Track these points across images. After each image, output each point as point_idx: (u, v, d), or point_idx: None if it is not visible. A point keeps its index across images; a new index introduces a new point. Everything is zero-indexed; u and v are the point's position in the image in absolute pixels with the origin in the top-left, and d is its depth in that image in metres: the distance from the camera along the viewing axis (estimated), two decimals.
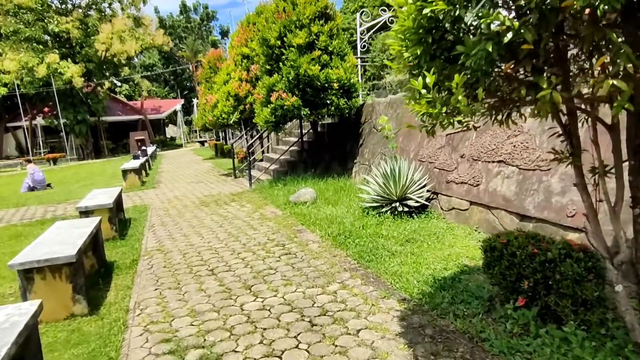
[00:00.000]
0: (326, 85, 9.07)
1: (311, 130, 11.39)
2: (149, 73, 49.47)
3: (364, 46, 11.72)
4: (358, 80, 9.63)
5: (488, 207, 5.70)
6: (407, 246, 5.38)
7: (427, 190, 6.92)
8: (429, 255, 4.98)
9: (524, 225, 5.09)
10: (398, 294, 4.07)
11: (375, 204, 6.98)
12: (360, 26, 11.43)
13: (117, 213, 7.22)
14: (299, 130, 11.25)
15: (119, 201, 7.72)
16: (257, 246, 5.98)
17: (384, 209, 6.77)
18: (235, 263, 5.32)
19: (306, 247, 5.78)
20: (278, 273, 4.87)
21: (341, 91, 9.36)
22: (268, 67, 9.68)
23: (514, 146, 5.45)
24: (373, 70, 11.14)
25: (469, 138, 6.37)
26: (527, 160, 5.20)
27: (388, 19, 10.76)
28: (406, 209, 6.64)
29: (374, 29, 11.44)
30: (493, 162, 5.76)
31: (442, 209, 6.66)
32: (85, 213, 6.41)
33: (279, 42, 9.41)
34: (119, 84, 42.43)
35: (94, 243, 5.18)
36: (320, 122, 10.90)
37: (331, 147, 11.16)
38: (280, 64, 9.26)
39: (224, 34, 59.07)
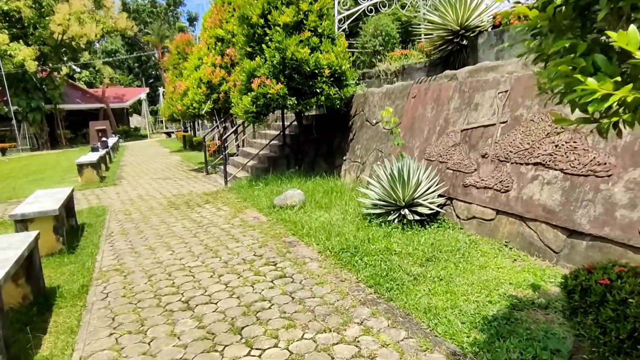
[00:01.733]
0: (316, 71, 7.96)
1: (294, 123, 10.25)
2: (111, 59, 46.62)
3: (348, 29, 10.62)
4: (350, 67, 8.55)
5: (522, 218, 4.77)
6: (430, 267, 4.38)
7: (440, 195, 5.95)
8: (461, 281, 4.00)
9: (573, 243, 4.17)
10: (444, 345, 3.04)
11: (378, 210, 5.96)
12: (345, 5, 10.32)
13: (65, 220, 5.91)
14: (281, 122, 10.08)
15: (68, 205, 6.40)
16: (243, 265, 4.84)
17: (390, 217, 5.75)
18: (218, 291, 4.18)
19: (304, 266, 4.69)
20: (275, 307, 3.76)
21: (332, 79, 8.26)
22: (249, 49, 8.46)
23: (557, 146, 4.52)
24: (363, 57, 10.08)
25: (491, 135, 5.42)
26: (577, 164, 4.28)
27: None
28: (416, 217, 5.65)
29: (355, 16, 10.35)
30: (527, 164, 4.83)
31: (458, 217, 5.70)
32: (23, 222, 5.09)
33: (261, 21, 8.20)
34: (78, 69, 39.77)
35: (28, 267, 3.92)
36: (304, 114, 9.76)
37: (317, 142, 10.06)
38: (264, 46, 8.06)
39: (192, 20, 56.64)
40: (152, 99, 46.76)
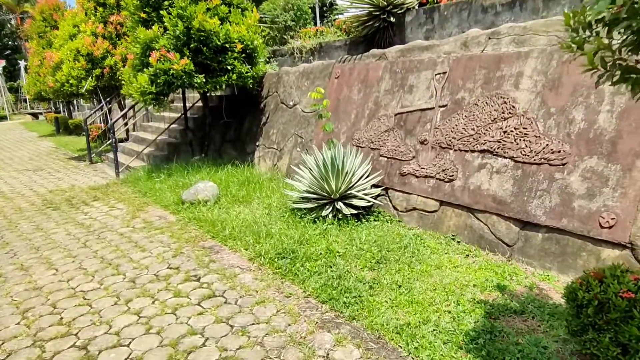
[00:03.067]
0: (227, 45, 6.94)
1: (198, 104, 9.08)
2: None
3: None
4: (262, 43, 7.67)
5: (470, 209, 4.48)
6: (382, 271, 3.87)
7: (374, 185, 5.49)
8: (422, 287, 3.55)
9: (527, 236, 3.96)
10: None
11: (309, 204, 5.31)
12: None
13: None
14: (182, 104, 8.84)
15: None
16: (156, 283, 3.87)
17: (324, 212, 5.13)
18: (128, 325, 3.20)
19: (235, 279, 3.88)
20: (211, 343, 2.93)
21: (243, 55, 7.31)
22: (143, 15, 7.09)
23: (505, 132, 4.27)
24: (274, 33, 9.22)
25: (430, 119, 5.06)
26: (528, 152, 4.05)
27: None
28: (352, 211, 5.11)
29: None
30: (473, 151, 4.54)
31: (395, 208, 5.30)
32: None
33: None
34: None
35: None
36: (210, 94, 8.66)
37: (225, 126, 9.03)
38: (163, 12, 6.80)
39: None
40: (11, 74, 40.19)
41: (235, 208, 5.87)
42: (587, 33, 2.01)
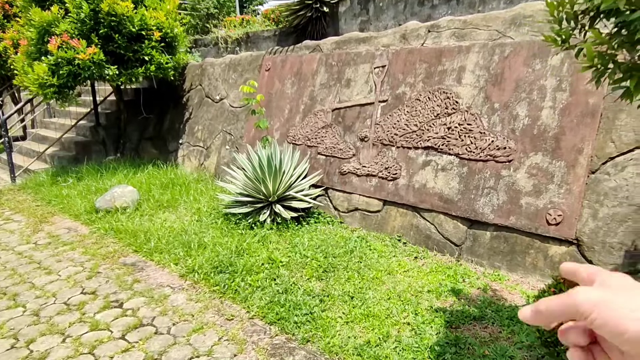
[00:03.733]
0: (143, 33, 6.20)
1: (110, 97, 8.15)
2: None
3: None
4: (183, 31, 6.99)
5: (415, 208, 4.33)
6: (331, 280, 3.57)
7: (313, 185, 5.17)
8: (375, 296, 3.30)
9: (476, 234, 3.88)
10: None
11: (244, 209, 4.86)
12: None
13: None
14: (92, 97, 7.86)
15: None
16: (67, 314, 3.23)
17: (261, 216, 4.72)
18: None
19: (166, 302, 3.36)
20: None
21: (162, 44, 6.61)
22: None
23: (449, 128, 4.16)
24: (195, 21, 8.50)
25: (370, 115, 4.84)
26: (473, 148, 3.96)
27: None
28: (292, 214, 4.76)
29: None
30: (417, 148, 4.38)
31: (336, 209, 5.03)
32: None
33: None
34: None
35: None
36: (125, 87, 7.79)
37: (143, 122, 8.20)
38: None
39: None
40: None
41: (159, 215, 5.25)
42: (572, 25, 1.83)
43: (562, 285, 2.23)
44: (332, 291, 3.40)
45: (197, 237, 4.42)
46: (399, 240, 4.36)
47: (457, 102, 4.15)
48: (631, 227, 3.14)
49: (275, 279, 3.60)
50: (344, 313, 3.11)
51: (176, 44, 7.00)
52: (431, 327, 2.90)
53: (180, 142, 7.53)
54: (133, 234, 4.62)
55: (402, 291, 3.37)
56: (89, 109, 8.09)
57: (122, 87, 7.41)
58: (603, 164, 3.32)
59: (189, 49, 8.35)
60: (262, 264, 3.83)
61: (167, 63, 6.64)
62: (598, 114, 3.37)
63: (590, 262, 3.27)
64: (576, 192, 3.38)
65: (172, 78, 6.93)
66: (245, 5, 15.61)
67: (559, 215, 3.41)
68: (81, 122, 8.10)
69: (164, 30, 6.53)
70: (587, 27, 1.78)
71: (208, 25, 8.30)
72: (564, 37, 1.77)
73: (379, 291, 3.39)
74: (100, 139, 8.00)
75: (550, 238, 3.46)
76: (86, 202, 5.68)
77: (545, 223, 3.48)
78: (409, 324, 2.95)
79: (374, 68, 4.91)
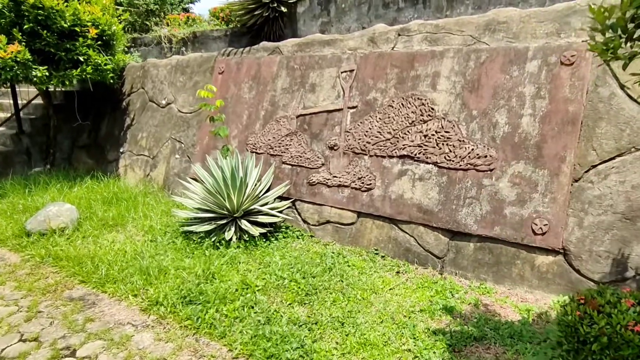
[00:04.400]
0: (77, 29, 5.51)
1: (37, 101, 7.24)
2: None
3: None
4: (122, 29, 6.34)
5: (392, 220, 4.14)
6: (315, 304, 3.28)
7: (280, 198, 4.84)
8: (367, 320, 3.06)
9: (458, 246, 3.76)
10: None
11: (206, 226, 4.42)
12: None
13: None
14: (12, 101, 6.93)
15: None
16: None
17: (227, 234, 4.31)
18: None
19: (129, 345, 2.89)
20: None
21: (99, 42, 5.94)
22: None
23: (426, 136, 4.02)
24: (133, 18, 7.79)
25: (339, 122, 4.61)
26: (453, 157, 3.85)
27: None
28: (260, 230, 4.40)
29: None
30: (391, 157, 4.20)
31: (306, 222, 4.73)
32: None
33: None
34: None
35: None
36: (52, 90, 6.95)
37: (76, 129, 7.38)
38: None
39: None
40: None
41: (105, 235, 4.66)
42: (616, 33, 1.68)
43: (589, 308, 2.11)
44: (319, 317, 3.11)
45: (155, 261, 3.93)
46: (377, 253, 4.16)
47: (432, 108, 4.02)
48: (617, 235, 3.14)
49: (253, 307, 3.24)
50: (337, 343, 2.83)
51: (114, 42, 6.34)
52: (434, 352, 2.71)
53: (121, 150, 6.85)
54: (77, 260, 4.03)
55: (394, 312, 3.16)
56: (9, 115, 7.14)
57: (50, 89, 6.59)
58: (586, 172, 3.32)
59: (126, 49, 7.65)
60: (236, 290, 3.45)
61: (105, 64, 5.98)
62: (579, 121, 3.37)
63: (577, 271, 3.25)
64: (561, 200, 3.35)
65: (111, 81, 6.26)
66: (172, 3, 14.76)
67: (545, 225, 3.36)
68: None
69: (100, 27, 5.86)
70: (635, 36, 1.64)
71: (148, 23, 7.65)
72: (613, 46, 1.62)
73: (370, 314, 3.15)
74: (23, 148, 7.08)
75: (537, 248, 3.41)
76: (13, 223, 4.93)
77: (531, 233, 3.43)
78: (410, 350, 2.74)
79: (341, 72, 4.68)
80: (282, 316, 3.11)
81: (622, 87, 3.25)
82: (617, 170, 3.20)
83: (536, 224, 3.39)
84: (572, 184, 3.35)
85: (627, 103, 3.21)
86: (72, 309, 3.32)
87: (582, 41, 3.43)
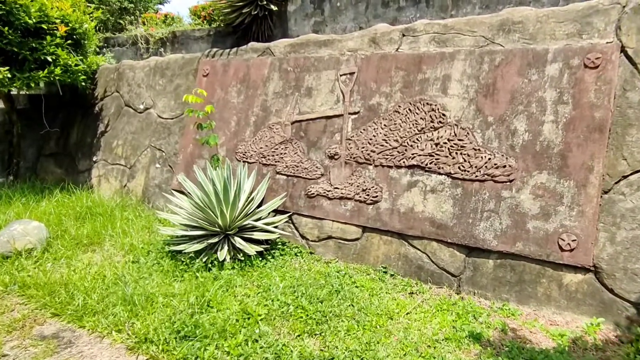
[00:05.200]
0: (43, 26, 4.98)
1: None
2: None
3: None
4: (95, 27, 5.82)
5: (402, 235, 3.83)
6: (328, 335, 2.92)
7: (276, 211, 4.46)
8: (389, 353, 2.73)
9: (476, 263, 3.47)
10: None
11: (195, 245, 3.99)
12: None
13: None
14: None
15: None
16: None
17: (219, 253, 3.89)
18: None
19: None
20: None
21: (69, 41, 5.41)
22: None
23: (437, 144, 3.72)
24: (105, 16, 7.23)
25: (339, 129, 4.27)
26: (467, 167, 3.56)
27: None
28: (256, 248, 4.01)
29: None
30: (399, 167, 3.89)
31: (304, 238, 4.37)
32: None
33: None
34: None
35: None
36: (15, 93, 6.35)
37: (43, 136, 6.78)
38: None
39: None
40: None
41: (80, 257, 4.17)
42: None
43: None
44: (334, 351, 2.75)
45: (140, 286, 3.48)
46: (385, 272, 3.83)
47: (444, 114, 3.73)
48: None
49: (257, 340, 2.85)
50: None
51: (86, 42, 5.82)
52: None
53: (94, 159, 6.30)
54: (48, 288, 3.53)
55: (417, 342, 2.83)
56: None
57: (13, 93, 6.01)
58: (616, 183, 3.08)
59: (98, 49, 7.10)
60: (237, 321, 3.05)
61: (76, 65, 5.46)
62: (606, 129, 3.13)
63: (611, 290, 3.01)
64: (590, 214, 3.10)
65: (83, 84, 5.73)
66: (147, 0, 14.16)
67: (573, 240, 3.11)
68: None
69: (70, 25, 5.35)
70: None
71: (122, 22, 7.12)
72: None
73: (390, 345, 2.81)
74: None
75: (564, 265, 3.15)
76: None
77: (557, 249, 3.17)
78: None
79: (340, 75, 4.34)
80: (292, 351, 2.74)
81: None
82: None
83: (563, 240, 3.14)
84: (601, 196, 3.11)
85: None
86: (44, 350, 2.85)
87: (607, 42, 3.20)
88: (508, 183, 3.41)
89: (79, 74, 5.54)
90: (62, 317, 3.22)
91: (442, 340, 2.87)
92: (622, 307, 2.97)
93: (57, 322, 3.18)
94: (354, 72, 4.26)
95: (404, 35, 4.10)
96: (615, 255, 3.01)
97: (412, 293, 3.53)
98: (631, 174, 3.04)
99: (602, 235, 3.07)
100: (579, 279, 3.11)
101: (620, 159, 3.08)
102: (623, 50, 3.15)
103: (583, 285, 3.10)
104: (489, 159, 3.49)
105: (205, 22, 6.61)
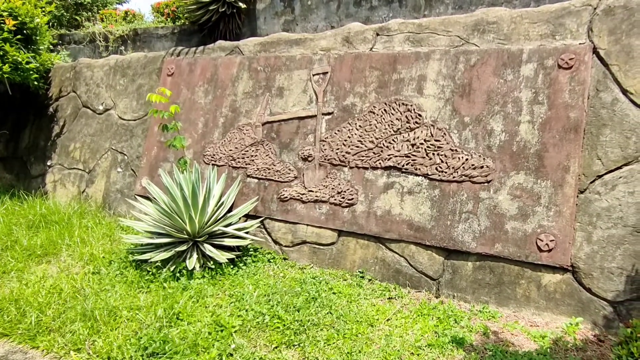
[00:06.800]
0: None
1: None
2: None
3: None
4: (48, 22, 5.45)
5: (379, 239, 3.73)
6: (307, 346, 2.77)
7: (247, 216, 4.28)
8: None
9: (455, 266, 3.42)
10: None
11: (162, 254, 3.75)
12: None
13: None
14: None
15: None
16: None
17: (188, 261, 3.67)
18: None
19: None
20: None
21: (19, 37, 5.04)
22: None
23: (413, 145, 3.66)
24: (59, 11, 6.80)
25: (312, 130, 4.14)
26: (445, 167, 3.51)
27: None
28: (227, 255, 3.81)
29: None
30: (375, 168, 3.80)
31: (277, 243, 4.20)
32: None
33: None
34: None
35: None
36: None
37: None
38: None
39: None
40: None
41: (33, 269, 3.84)
42: None
43: None
44: None
45: (102, 299, 3.22)
46: (363, 277, 3.72)
47: (420, 115, 3.67)
48: (630, 250, 2.93)
49: (232, 355, 2.67)
50: None
51: (38, 38, 5.44)
52: None
53: (48, 164, 5.90)
54: None
55: (400, 350, 2.72)
56: None
57: None
58: (591, 182, 3.10)
59: (52, 46, 6.68)
60: (209, 334, 2.85)
61: (27, 63, 5.08)
62: (581, 129, 3.15)
63: (588, 290, 3.01)
64: (567, 214, 3.10)
65: (35, 83, 5.35)
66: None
67: (551, 241, 3.10)
68: None
69: (20, 19, 4.98)
70: None
71: (78, 18, 6.73)
72: None
73: (372, 354, 2.69)
74: None
75: (543, 266, 3.14)
76: None
77: (536, 249, 3.15)
78: None
79: (313, 75, 4.22)
80: None
81: (624, 92, 3.07)
82: (625, 180, 3.00)
83: (541, 240, 3.12)
84: (577, 196, 3.11)
85: (631, 109, 3.03)
86: None
87: (580, 44, 3.23)
88: (486, 184, 3.37)
89: (31, 72, 5.16)
90: (11, 337, 2.92)
91: (425, 346, 2.78)
92: (600, 306, 2.97)
93: (7, 343, 2.88)
94: (327, 72, 4.15)
95: (378, 34, 4.02)
96: (592, 255, 3.01)
97: (391, 298, 3.44)
98: (605, 173, 3.06)
99: (579, 234, 3.07)
100: (558, 279, 3.10)
101: (595, 159, 3.10)
102: (595, 51, 3.18)
103: (561, 286, 3.09)
104: (466, 159, 3.45)
105: (169, 19, 6.33)
